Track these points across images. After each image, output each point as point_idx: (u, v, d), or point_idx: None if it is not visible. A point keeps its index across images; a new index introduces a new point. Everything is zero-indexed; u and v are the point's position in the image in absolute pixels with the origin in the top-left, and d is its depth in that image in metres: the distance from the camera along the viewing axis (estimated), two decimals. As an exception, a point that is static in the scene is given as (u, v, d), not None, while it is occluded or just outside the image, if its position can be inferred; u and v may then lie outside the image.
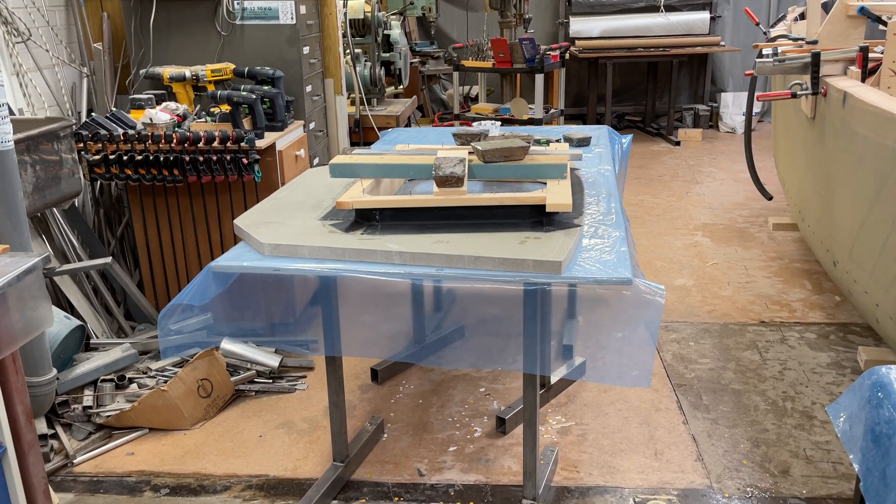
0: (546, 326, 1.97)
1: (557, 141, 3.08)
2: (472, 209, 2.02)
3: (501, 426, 2.70)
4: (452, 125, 6.09)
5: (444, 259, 1.82)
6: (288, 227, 2.06)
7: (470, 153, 2.28)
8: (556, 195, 2.00)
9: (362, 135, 4.17)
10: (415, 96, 5.18)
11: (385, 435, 2.70)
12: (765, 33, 4.73)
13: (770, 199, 4.56)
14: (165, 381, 2.80)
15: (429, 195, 2.03)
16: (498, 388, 3.00)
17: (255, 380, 3.00)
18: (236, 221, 2.12)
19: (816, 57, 3.18)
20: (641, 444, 2.62)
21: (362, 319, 2.14)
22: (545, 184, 2.18)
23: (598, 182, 2.53)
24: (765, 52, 3.74)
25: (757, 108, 7.70)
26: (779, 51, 3.62)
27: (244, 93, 3.07)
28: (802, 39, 3.77)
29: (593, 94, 7.62)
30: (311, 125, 3.68)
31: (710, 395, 2.90)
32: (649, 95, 7.90)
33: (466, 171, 2.09)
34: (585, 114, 7.91)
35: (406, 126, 4.80)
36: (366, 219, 2.06)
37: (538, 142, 2.98)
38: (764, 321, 3.52)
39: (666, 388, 2.98)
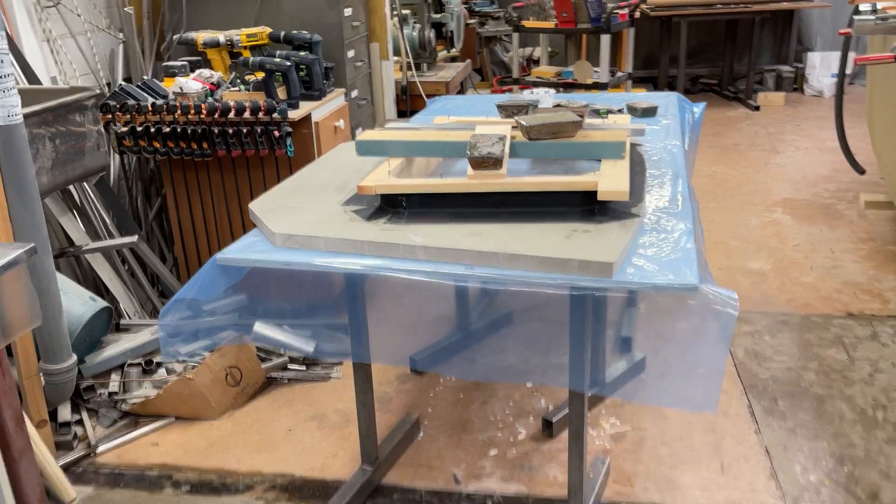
0: (598, 336, 1.71)
1: (619, 111, 2.77)
2: (511, 195, 1.75)
3: (548, 429, 2.46)
4: (511, 90, 5.77)
5: (475, 256, 1.57)
6: (306, 213, 1.84)
7: (514, 128, 2.00)
8: (610, 180, 1.71)
9: (409, 102, 3.92)
10: (468, 60, 4.88)
11: (421, 433, 2.50)
12: (862, -14, 4.21)
13: (862, 173, 4.11)
14: (194, 367, 2.66)
15: (462, 179, 1.78)
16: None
17: (288, 366, 2.83)
18: (251, 206, 1.92)
19: (927, 12, 2.74)
20: (706, 455, 2.34)
21: (392, 321, 1.92)
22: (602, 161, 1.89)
23: (664, 160, 2.21)
24: (862, 8, 3.28)
25: (847, 69, 7.06)
26: (878, 7, 3.17)
27: (278, 59, 2.85)
28: (909, -8, 3.30)
29: (665, 55, 7.12)
30: (354, 93, 3.44)
31: (788, 400, 2.58)
32: (727, 56, 7.34)
33: (507, 150, 1.82)
34: (656, 77, 7.42)
35: (459, 92, 4.52)
36: (392, 205, 1.82)
37: (597, 112, 2.67)
38: (852, 313, 3.14)
39: (736, 389, 2.67)
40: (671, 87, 7.29)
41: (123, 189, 3.33)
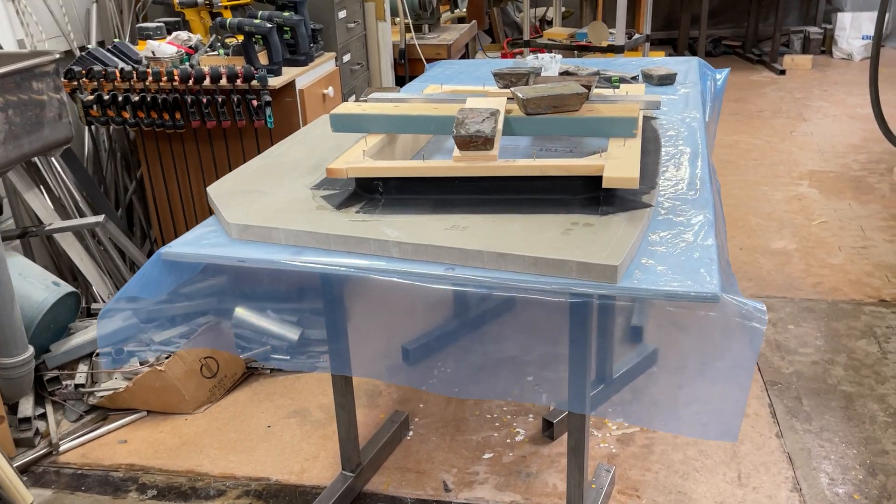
0: (603, 349, 1.49)
1: (633, 79, 2.50)
2: (503, 181, 1.51)
3: (548, 430, 2.25)
4: (522, 53, 5.46)
5: (457, 255, 1.34)
6: (269, 198, 1.62)
7: (510, 100, 1.76)
8: (618, 163, 1.47)
9: (408, 68, 3.64)
10: (474, 21, 4.58)
11: (410, 432, 2.30)
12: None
13: (898, 144, 3.80)
14: (167, 357, 2.47)
15: (446, 161, 1.54)
16: (549, 376, 2.53)
17: (271, 355, 2.63)
18: (209, 190, 1.69)
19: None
20: (722, 462, 2.12)
21: (374, 326, 1.71)
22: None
23: (681, 136, 1.96)
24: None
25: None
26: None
27: (258, 21, 2.60)
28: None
29: (686, 15, 6.75)
30: (346, 58, 3.18)
31: (813, 399, 2.35)
32: (752, 16, 6.95)
33: (499, 127, 1.57)
34: (676, 38, 7.06)
35: (463, 56, 4.23)
36: (366, 190, 1.58)
37: (608, 80, 2.41)
38: (884, 300, 2.89)
39: (756, 385, 2.44)
40: (692, 50, 6.93)
41: (103, 162, 3.11)
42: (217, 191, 1.67)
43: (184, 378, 2.39)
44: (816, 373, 2.48)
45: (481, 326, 1.96)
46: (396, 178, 1.55)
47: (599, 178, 1.46)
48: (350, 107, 1.81)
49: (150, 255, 3.08)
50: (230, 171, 2.72)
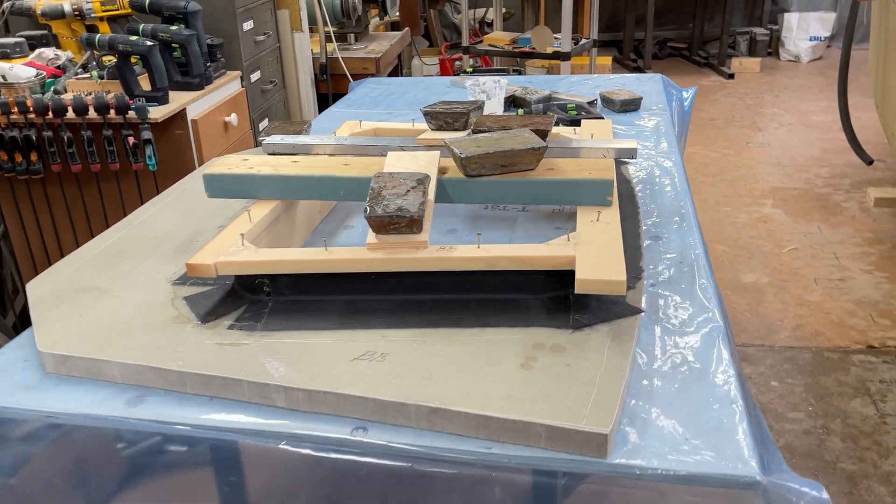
0: None
1: (591, 104, 2.11)
2: (435, 278, 1.09)
3: (504, 541, 1.84)
4: (461, 59, 5.06)
5: (370, 407, 0.91)
6: (111, 302, 1.15)
7: (443, 148, 1.33)
8: (593, 255, 1.05)
9: (331, 84, 3.18)
10: (407, 29, 4.14)
11: (334, 550, 1.86)
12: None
13: (870, 163, 3.53)
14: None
15: (359, 250, 1.10)
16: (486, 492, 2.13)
17: (164, 447, 2.15)
18: (29, 288, 1.21)
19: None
20: (714, 577, 1.74)
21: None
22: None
23: (660, 188, 1.56)
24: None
25: (825, 31, 6.50)
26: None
27: (134, 38, 2.11)
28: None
29: (631, 16, 6.46)
30: (255, 76, 2.71)
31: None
32: (697, 17, 6.70)
33: (431, 198, 1.15)
34: (621, 40, 6.77)
35: (395, 68, 3.79)
36: (249, 289, 1.14)
37: (563, 109, 2.02)
38: (872, 345, 2.58)
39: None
40: (637, 52, 6.65)
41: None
42: (39, 291, 1.19)
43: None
44: (811, 446, 2.13)
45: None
46: (287, 274, 1.11)
47: (568, 272, 1.05)
48: (232, 163, 1.35)
49: (17, 326, 2.56)
50: (105, 218, 2.23)
